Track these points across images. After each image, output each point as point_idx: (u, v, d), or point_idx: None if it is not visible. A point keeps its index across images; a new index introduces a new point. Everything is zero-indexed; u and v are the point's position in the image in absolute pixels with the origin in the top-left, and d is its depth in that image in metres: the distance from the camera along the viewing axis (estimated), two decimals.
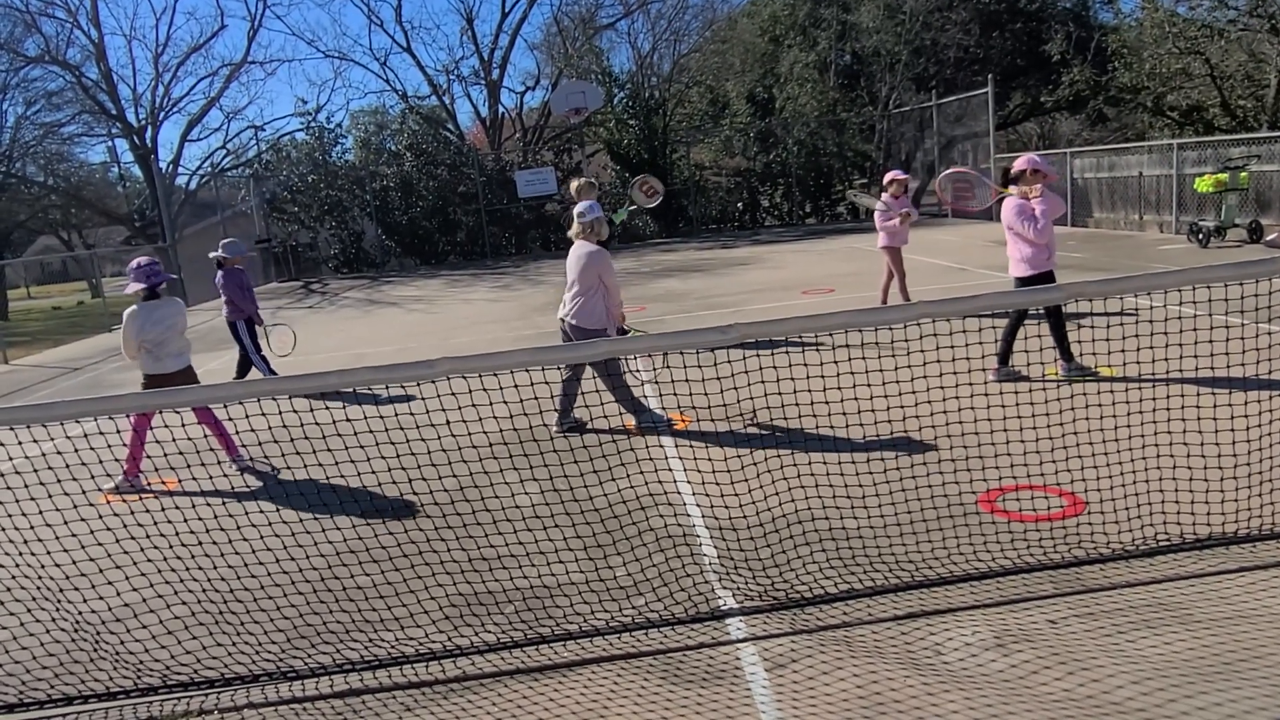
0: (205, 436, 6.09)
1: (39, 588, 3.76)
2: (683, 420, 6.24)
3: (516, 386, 2.93)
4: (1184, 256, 11.97)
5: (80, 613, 3.88)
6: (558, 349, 3.20)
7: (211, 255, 8.71)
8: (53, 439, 3.68)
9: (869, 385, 4.19)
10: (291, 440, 4.12)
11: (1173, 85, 22.25)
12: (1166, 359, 4.27)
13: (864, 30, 25.06)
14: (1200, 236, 12.77)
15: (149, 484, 5.91)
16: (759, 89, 27.27)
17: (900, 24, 24.21)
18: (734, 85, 28.60)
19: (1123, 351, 5.23)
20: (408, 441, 4.16)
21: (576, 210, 6.21)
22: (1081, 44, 23.64)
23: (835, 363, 4.06)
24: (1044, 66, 24.62)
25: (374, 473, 4.31)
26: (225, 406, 2.98)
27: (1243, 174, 12.63)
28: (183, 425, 4.37)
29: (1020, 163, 6.27)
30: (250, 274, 8.73)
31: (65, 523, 3.66)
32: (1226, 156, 13.57)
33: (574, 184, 7.95)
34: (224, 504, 5.44)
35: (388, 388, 7.84)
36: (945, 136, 22.82)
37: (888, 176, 9.15)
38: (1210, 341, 4.29)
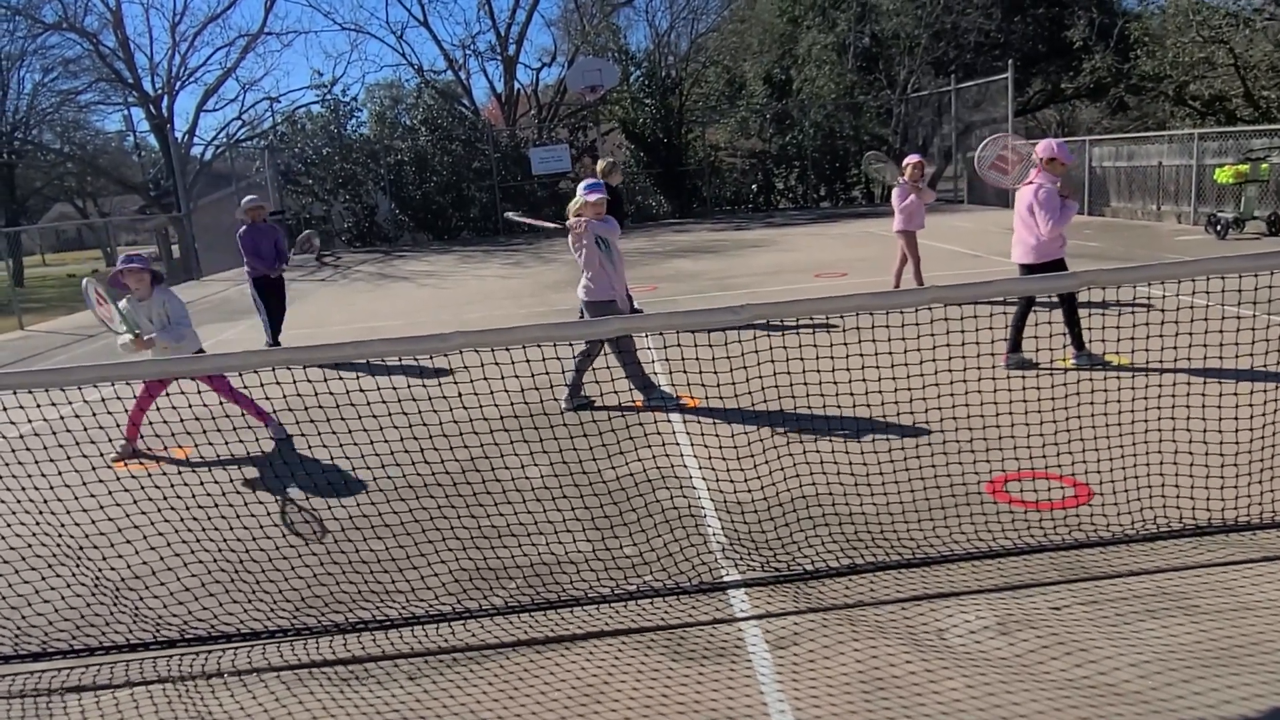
0: (221, 404, 6.12)
1: (59, 545, 3.84)
2: (691, 400, 6.26)
3: (529, 361, 2.95)
4: (1201, 248, 11.87)
5: (100, 570, 3.96)
6: (571, 325, 3.22)
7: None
8: (70, 403, 3.73)
9: (878, 368, 4.20)
10: (307, 409, 4.16)
11: (1195, 74, 21.95)
12: (1175, 348, 4.26)
13: (884, 12, 24.79)
14: (1218, 228, 12.65)
15: (148, 449, 5.97)
16: (776, 70, 27.04)
17: (921, 7, 23.93)
18: (751, 66, 28.37)
19: (1132, 339, 5.21)
20: (420, 412, 4.19)
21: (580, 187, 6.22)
22: (1104, 31, 23.32)
23: (845, 344, 4.07)
24: (1065, 53, 24.31)
25: (387, 442, 4.35)
26: (240, 375, 3.01)
27: (1264, 165, 12.49)
28: (199, 392, 4.41)
29: (1041, 149, 6.21)
30: (261, 235, 8.77)
31: (84, 484, 3.72)
32: (1248, 148, 13.41)
33: (599, 165, 7.93)
34: (239, 470, 5.52)
35: (401, 359, 7.87)
36: (963, 122, 22.61)
37: (905, 160, 9.09)
38: (1220, 331, 4.27)
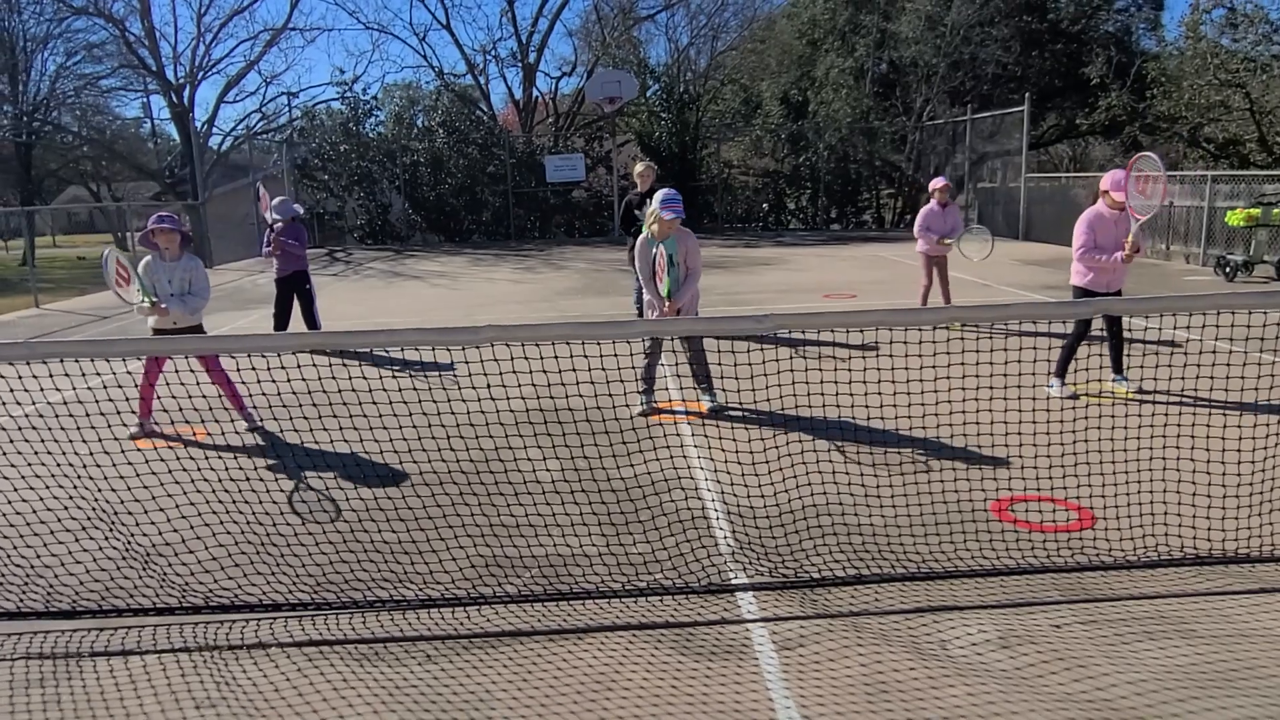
0: (246, 383, 6.19)
1: (94, 509, 3.94)
2: (700, 406, 6.36)
3: (556, 358, 3.05)
4: (1209, 289, 11.97)
5: (131, 535, 4.09)
6: (600, 325, 3.32)
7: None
8: (114, 373, 3.84)
9: (893, 383, 4.29)
10: (341, 391, 4.25)
11: (1210, 117, 22.15)
12: (1182, 379, 4.35)
13: (903, 40, 25.01)
14: (1227, 270, 12.76)
15: (174, 430, 6.05)
16: (793, 91, 27.28)
17: (940, 36, 24.15)
18: (768, 86, 28.61)
19: (1141, 368, 5.30)
20: (450, 400, 4.29)
21: None
22: (1121, 69, 23.54)
23: (864, 357, 4.17)
24: (1081, 89, 24.53)
25: (415, 428, 4.44)
26: (279, 356, 3.10)
27: (1275, 211, 12.61)
28: (238, 371, 4.49)
29: (1105, 180, 6.15)
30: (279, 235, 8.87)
31: (122, 451, 3.83)
32: (1260, 192, 13.54)
33: (639, 166, 8.01)
34: (263, 457, 5.61)
35: (434, 349, 7.96)
36: (977, 152, 22.77)
37: (933, 184, 9.09)
38: (1227, 365, 4.37)
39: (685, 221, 6.25)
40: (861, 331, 8.07)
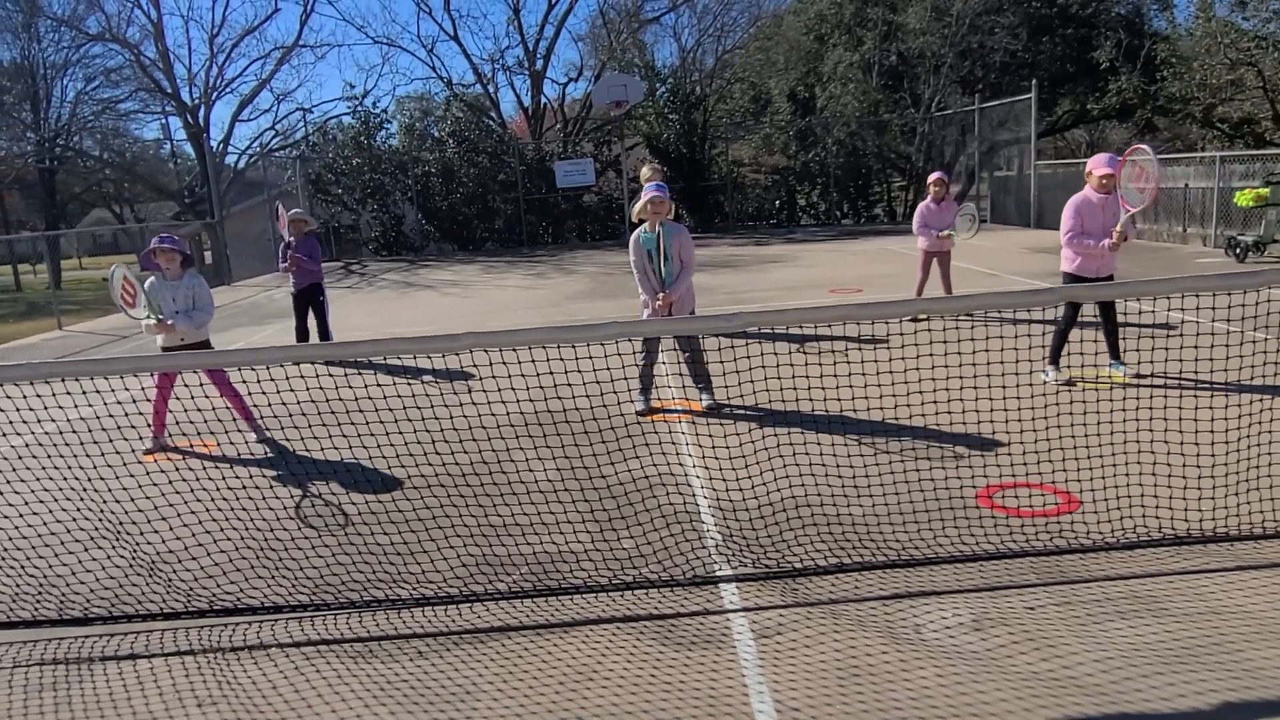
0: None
1: (101, 521, 4.13)
2: (693, 405, 6.47)
3: (534, 362, 3.18)
4: (1218, 271, 11.88)
5: (137, 544, 4.28)
6: (576, 328, 3.44)
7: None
8: (114, 391, 4.02)
9: (876, 375, 4.37)
10: (329, 400, 4.41)
11: (1223, 97, 21.90)
12: (1151, 362, 4.38)
13: (910, 31, 24.92)
14: (1238, 251, 12.65)
15: (174, 444, 6.25)
16: (801, 87, 27.26)
17: (947, 26, 24.04)
18: (776, 83, 28.61)
19: (1137, 352, 5.32)
20: (433, 407, 4.43)
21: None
22: (1132, 52, 23.30)
23: (844, 351, 4.25)
24: (1092, 73, 24.32)
25: (402, 434, 4.58)
26: (268, 369, 3.27)
27: None
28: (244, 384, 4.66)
29: (1090, 163, 6.19)
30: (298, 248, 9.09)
31: (124, 465, 4.00)
32: (1270, 171, 13.41)
33: (644, 170, 8.16)
34: (270, 461, 5.81)
35: (417, 357, 8.12)
36: (988, 141, 22.67)
37: (929, 179, 9.15)
38: (1195, 348, 4.41)
39: (693, 223, 6.40)
40: (859, 324, 8.15)
